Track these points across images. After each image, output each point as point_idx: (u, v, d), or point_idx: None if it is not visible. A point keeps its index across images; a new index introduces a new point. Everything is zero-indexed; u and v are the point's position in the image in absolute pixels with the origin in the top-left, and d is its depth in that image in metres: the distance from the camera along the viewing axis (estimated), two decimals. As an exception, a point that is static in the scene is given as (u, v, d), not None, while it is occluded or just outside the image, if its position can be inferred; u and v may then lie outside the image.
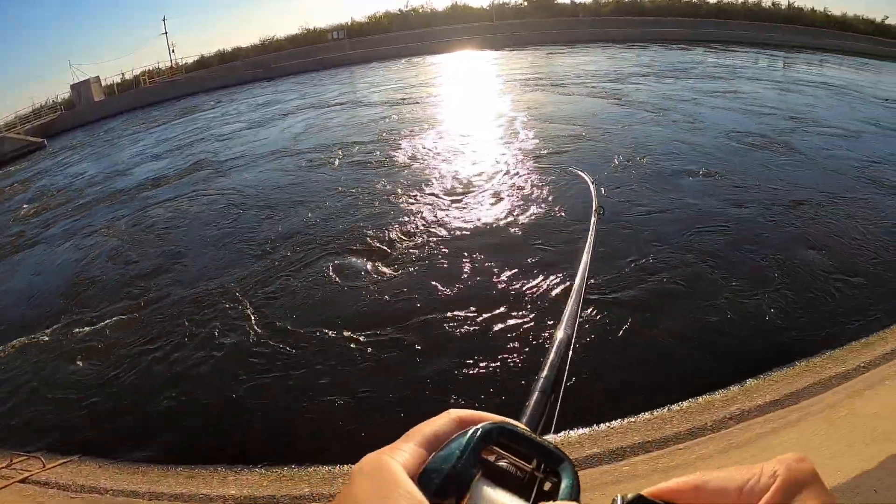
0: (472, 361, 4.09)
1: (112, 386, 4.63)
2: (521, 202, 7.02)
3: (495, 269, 5.34)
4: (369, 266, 5.78)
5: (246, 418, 3.99)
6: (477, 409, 0.39)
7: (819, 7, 30.11)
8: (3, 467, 3.95)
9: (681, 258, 5.34)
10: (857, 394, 3.15)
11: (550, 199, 6.99)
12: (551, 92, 15.01)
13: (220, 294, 5.64)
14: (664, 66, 19.35)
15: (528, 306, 4.68)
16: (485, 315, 4.61)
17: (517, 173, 8.18)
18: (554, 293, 4.81)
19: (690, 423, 3.11)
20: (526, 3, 34.22)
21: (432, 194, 7.68)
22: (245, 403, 4.10)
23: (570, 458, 0.36)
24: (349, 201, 7.79)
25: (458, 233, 6.35)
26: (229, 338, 4.86)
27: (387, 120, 13.51)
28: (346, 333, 4.60)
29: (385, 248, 6.15)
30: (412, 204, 7.39)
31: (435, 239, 6.24)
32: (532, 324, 4.43)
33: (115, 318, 5.62)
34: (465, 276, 5.31)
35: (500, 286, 5.06)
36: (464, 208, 7.09)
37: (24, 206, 12.03)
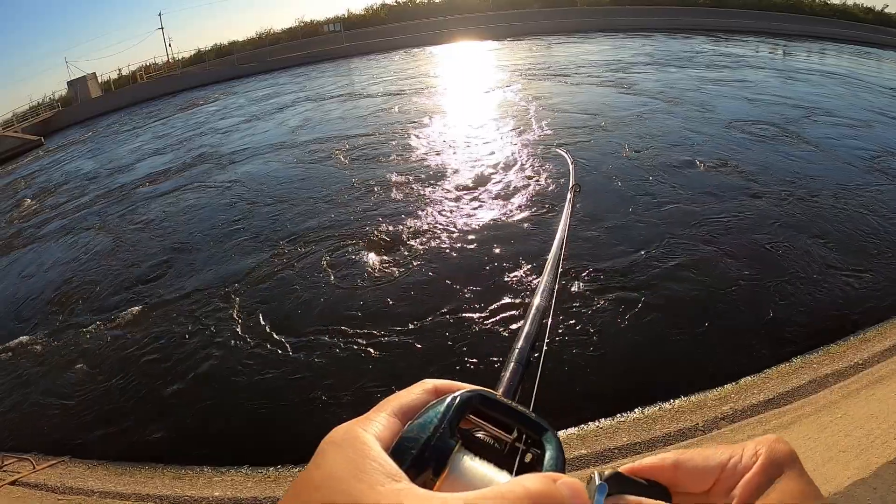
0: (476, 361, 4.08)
1: (105, 386, 4.64)
2: (535, 196, 6.89)
3: (508, 264, 5.25)
4: (373, 260, 5.73)
5: (238, 419, 3.99)
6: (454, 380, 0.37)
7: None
8: (-6, 469, 3.98)
9: (691, 247, 5.33)
10: (853, 394, 3.09)
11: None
12: (558, 82, 14.88)
13: (218, 293, 5.62)
14: (668, 54, 19.15)
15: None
16: (493, 318, 4.49)
17: (530, 165, 8.05)
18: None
19: (681, 424, 3.07)
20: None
21: (440, 187, 7.61)
22: (238, 404, 4.10)
23: (552, 428, 0.35)
24: (352, 194, 7.74)
25: (472, 229, 6.21)
26: (224, 338, 4.84)
27: (390, 111, 13.44)
28: (340, 334, 4.57)
29: (391, 242, 6.10)
30: (420, 198, 7.30)
31: (444, 234, 6.15)
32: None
33: (111, 318, 5.62)
34: (476, 278, 5.14)
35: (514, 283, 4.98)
36: (476, 202, 6.99)
37: (23, 203, 12.08)
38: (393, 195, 7.52)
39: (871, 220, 5.82)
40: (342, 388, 3.99)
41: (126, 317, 5.55)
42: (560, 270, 0.80)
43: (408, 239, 6.13)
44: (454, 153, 9.20)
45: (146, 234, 7.86)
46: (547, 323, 0.63)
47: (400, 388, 0.35)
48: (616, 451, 2.85)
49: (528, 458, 0.34)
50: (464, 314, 4.59)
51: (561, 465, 0.32)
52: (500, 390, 0.50)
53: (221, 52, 32.36)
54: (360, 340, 4.44)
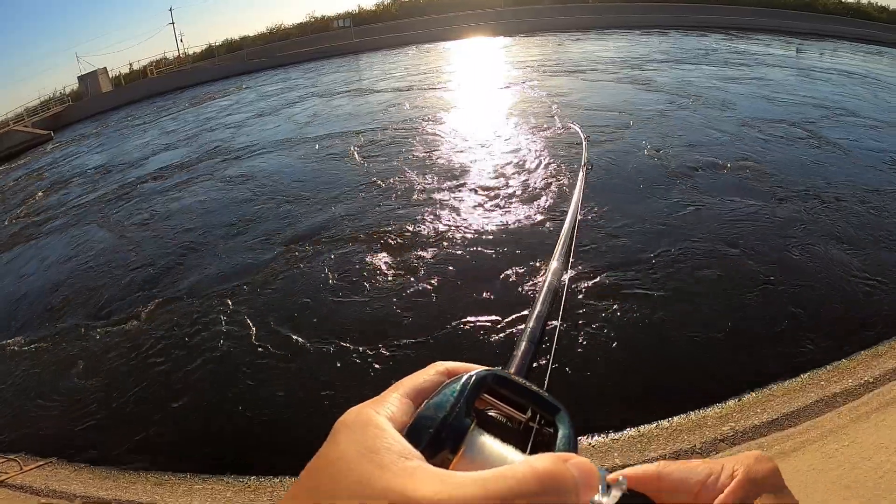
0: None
1: (99, 388, 4.61)
2: (554, 195, 6.69)
3: (524, 265, 5.11)
4: (382, 261, 5.63)
5: (230, 427, 3.93)
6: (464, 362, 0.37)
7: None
8: (-20, 469, 4.00)
9: (709, 248, 5.23)
10: (862, 418, 2.93)
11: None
12: (574, 78, 14.70)
13: (222, 295, 5.53)
14: (684, 51, 18.87)
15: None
16: (508, 330, 4.36)
17: (547, 162, 7.90)
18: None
19: (678, 445, 2.94)
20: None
21: (453, 184, 7.48)
22: (232, 412, 4.03)
23: (565, 407, 0.35)
24: (363, 192, 7.66)
25: (486, 229, 6.04)
26: (223, 344, 4.77)
27: (401, 107, 13.37)
28: (343, 341, 4.46)
29: (401, 241, 5.98)
30: (433, 195, 7.17)
31: (456, 233, 6.02)
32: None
33: (110, 320, 5.60)
34: (490, 279, 4.99)
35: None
36: (491, 200, 6.84)
37: (30, 198, 12.25)
38: (404, 193, 7.43)
39: (898, 226, 5.61)
40: (341, 398, 3.89)
41: (125, 319, 5.53)
42: (572, 249, 0.78)
43: (418, 237, 6.03)
44: (468, 150, 9.08)
45: (151, 231, 7.86)
46: (560, 302, 0.63)
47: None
48: (607, 472, 2.71)
49: (542, 436, 0.35)
50: (477, 316, 4.48)
51: (573, 445, 0.33)
52: (513, 369, 0.50)
53: (232, 48, 32.60)
54: (362, 348, 4.33)
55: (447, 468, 0.29)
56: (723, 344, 4.03)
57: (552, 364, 0.45)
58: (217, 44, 32.88)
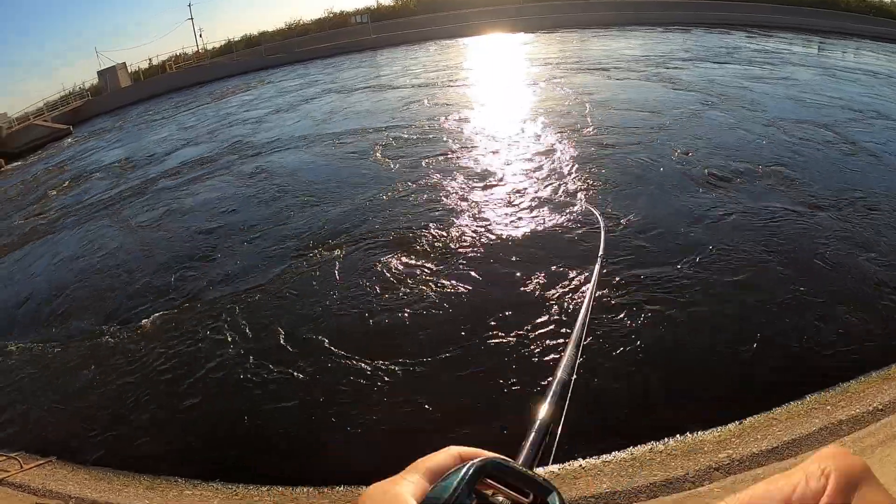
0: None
1: (103, 391, 4.73)
2: (578, 209, 6.44)
3: (548, 286, 4.96)
4: (400, 272, 5.54)
5: (224, 435, 4.01)
6: (477, 447, 0.42)
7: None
8: (-17, 468, 4.14)
9: (735, 258, 5.16)
10: (866, 452, 2.82)
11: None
12: (598, 76, 14.55)
13: (234, 300, 5.59)
14: (708, 50, 18.47)
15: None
16: (528, 347, 4.28)
17: (575, 168, 7.73)
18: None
19: (669, 472, 2.86)
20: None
21: (478, 190, 7.40)
22: (228, 420, 4.10)
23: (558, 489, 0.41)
24: (384, 194, 7.63)
25: (509, 242, 5.88)
26: (232, 351, 4.83)
27: (422, 104, 13.39)
28: (350, 354, 4.46)
29: (419, 250, 5.90)
30: (457, 202, 7.07)
31: (478, 245, 5.87)
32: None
33: (121, 323, 5.72)
34: (513, 298, 4.86)
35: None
36: (516, 210, 6.69)
37: (46, 193, 12.59)
38: (426, 197, 7.37)
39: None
40: (339, 413, 3.92)
41: (135, 324, 5.62)
42: (583, 345, 0.84)
43: (439, 246, 5.95)
44: (493, 152, 9.01)
45: (167, 231, 7.98)
46: (567, 396, 0.67)
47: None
48: (592, 500, 2.68)
49: None
50: (490, 340, 4.35)
51: None
52: (521, 457, 0.55)
53: (251, 43, 33.02)
54: (369, 361, 4.31)
55: None
56: (733, 360, 3.97)
57: (553, 453, 0.48)
58: (236, 39, 33.41)
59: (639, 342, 4.11)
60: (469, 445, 0.42)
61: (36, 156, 19.51)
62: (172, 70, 30.00)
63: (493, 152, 8.95)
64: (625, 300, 4.57)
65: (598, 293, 4.69)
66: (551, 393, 0.67)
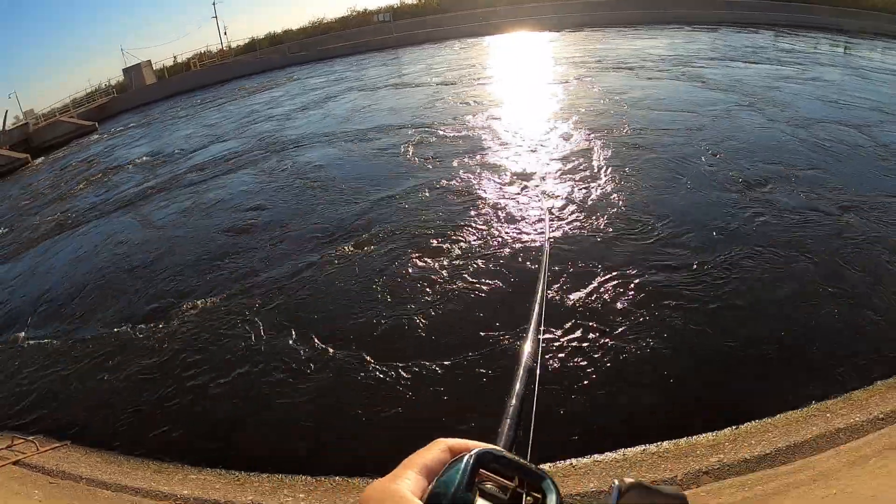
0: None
1: (127, 380, 4.99)
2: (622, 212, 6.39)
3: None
4: (423, 273, 5.55)
5: (231, 423, 4.20)
6: (462, 438, 0.46)
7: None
8: (3, 448, 4.44)
9: (760, 258, 5.17)
10: (861, 461, 2.81)
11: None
12: (629, 75, 14.46)
13: (257, 297, 5.74)
14: (735, 49, 18.08)
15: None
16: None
17: (611, 172, 7.66)
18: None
19: (658, 473, 2.91)
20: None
21: (510, 192, 7.33)
22: (239, 411, 4.29)
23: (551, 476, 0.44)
24: (413, 194, 7.67)
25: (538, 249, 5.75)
26: (250, 344, 5.00)
27: (454, 103, 13.45)
28: (360, 355, 4.55)
29: (442, 254, 5.86)
30: (489, 205, 6.98)
31: (504, 254, 5.75)
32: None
33: (145, 315, 5.97)
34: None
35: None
36: (543, 211, 6.70)
37: (70, 189, 13.11)
38: (454, 197, 7.37)
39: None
40: (340, 409, 4.05)
41: (156, 317, 5.85)
42: (542, 326, 0.91)
43: (463, 250, 5.91)
44: (523, 151, 9.01)
45: (190, 228, 8.21)
46: (535, 377, 0.72)
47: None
48: (578, 498, 2.76)
49: (529, 501, 0.42)
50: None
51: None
52: (500, 442, 0.59)
53: (274, 41, 33.71)
54: (380, 364, 4.38)
55: None
56: (742, 363, 3.98)
57: (532, 435, 0.57)
58: (260, 37, 34.16)
59: (650, 341, 4.16)
60: (456, 437, 0.46)
61: (62, 152, 20.26)
62: (197, 68, 30.82)
63: (524, 151, 8.95)
64: (642, 299, 4.64)
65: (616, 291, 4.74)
66: (518, 381, 0.72)
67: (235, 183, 9.91)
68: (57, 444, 4.46)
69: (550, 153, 8.68)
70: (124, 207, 10.15)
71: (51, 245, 9.30)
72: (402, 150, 9.85)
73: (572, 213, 6.47)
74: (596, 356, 4.08)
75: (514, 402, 0.67)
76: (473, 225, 6.45)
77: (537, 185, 7.41)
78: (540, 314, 0.95)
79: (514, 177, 7.80)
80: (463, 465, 0.41)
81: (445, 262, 5.71)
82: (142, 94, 28.45)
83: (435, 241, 6.17)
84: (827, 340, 4.15)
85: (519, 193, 7.24)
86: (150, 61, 30.55)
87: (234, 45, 34.11)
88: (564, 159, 8.27)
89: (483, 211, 6.81)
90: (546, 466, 3.15)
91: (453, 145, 9.73)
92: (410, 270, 5.66)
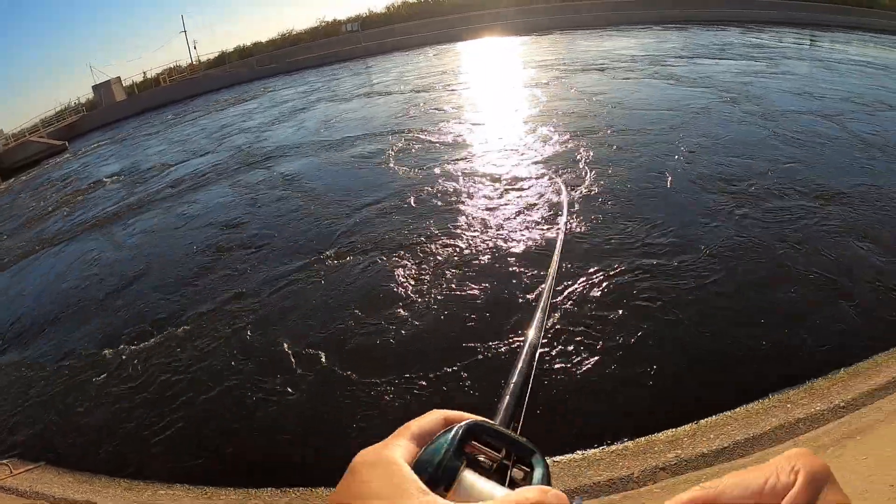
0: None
1: (99, 401, 4.93)
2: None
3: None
4: (405, 285, 5.50)
5: (199, 438, 4.21)
6: (459, 410, 0.46)
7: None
8: (-25, 473, 4.36)
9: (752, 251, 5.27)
10: (818, 451, 2.90)
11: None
12: (602, 76, 14.66)
13: (235, 314, 5.67)
14: (706, 47, 18.60)
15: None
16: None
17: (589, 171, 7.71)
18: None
19: (615, 472, 2.96)
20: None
21: (490, 197, 7.32)
22: (209, 428, 4.29)
23: (539, 450, 0.44)
24: (389, 201, 7.65)
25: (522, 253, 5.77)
26: (223, 362, 4.96)
27: (428, 110, 13.46)
28: (337, 366, 4.55)
29: (431, 263, 5.82)
30: (471, 211, 6.95)
31: (489, 259, 5.76)
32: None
33: (120, 334, 5.87)
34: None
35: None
36: (523, 215, 6.62)
37: (36, 210, 12.82)
38: (432, 204, 7.34)
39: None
40: (316, 424, 4.05)
41: (128, 339, 5.74)
42: (549, 305, 0.91)
43: (448, 256, 5.89)
44: (498, 154, 9.05)
45: (166, 246, 8.09)
46: (535, 357, 0.73)
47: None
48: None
49: (519, 474, 0.42)
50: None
51: (548, 481, 0.41)
52: (498, 419, 0.59)
53: (244, 54, 33.50)
54: (360, 377, 4.36)
55: None
56: (712, 357, 4.05)
57: (523, 413, 0.59)
58: (229, 51, 33.87)
59: (616, 336, 4.25)
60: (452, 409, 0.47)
61: (33, 172, 19.91)
62: (166, 83, 30.48)
63: (499, 154, 9.01)
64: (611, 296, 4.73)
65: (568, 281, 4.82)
66: (522, 356, 0.72)
67: (211, 198, 9.83)
68: (31, 466, 4.43)
69: (531, 155, 8.74)
70: (97, 227, 10.00)
71: (25, 266, 9.15)
72: (378, 159, 9.88)
73: (567, 210, 6.48)
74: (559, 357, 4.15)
75: (514, 378, 0.68)
76: (456, 230, 6.47)
77: (522, 187, 7.48)
78: (549, 292, 0.96)
79: (496, 180, 7.86)
80: (452, 433, 0.42)
81: (431, 269, 5.72)
82: (112, 111, 28.01)
83: (418, 249, 6.18)
84: (793, 330, 4.24)
85: (501, 196, 7.29)
86: (119, 78, 30.10)
87: (203, 58, 33.80)
88: (547, 161, 8.36)
89: (466, 216, 6.84)
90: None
91: (430, 153, 9.76)
92: (394, 278, 5.67)
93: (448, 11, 32.22)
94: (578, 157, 8.34)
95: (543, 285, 1.02)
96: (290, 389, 4.42)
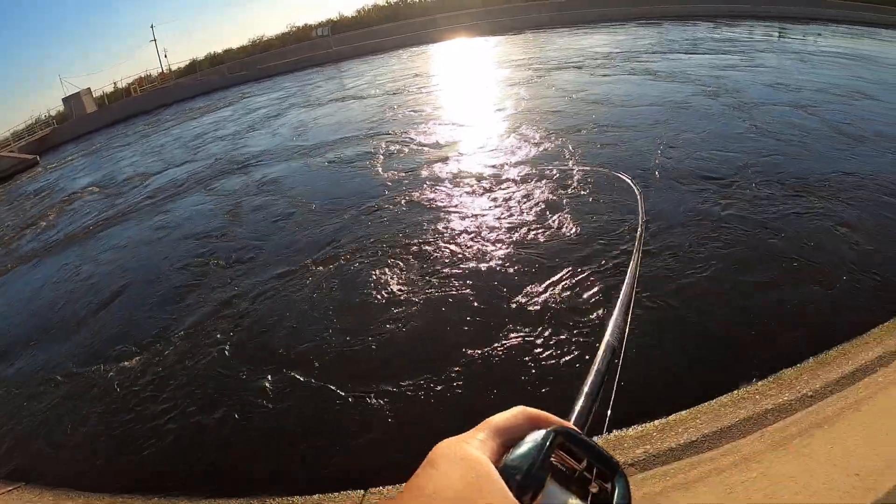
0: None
1: (85, 417, 4.77)
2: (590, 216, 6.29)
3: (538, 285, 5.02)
4: (394, 289, 5.41)
5: (187, 451, 4.08)
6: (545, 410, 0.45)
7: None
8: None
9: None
10: (785, 441, 2.85)
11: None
12: (577, 74, 14.62)
13: (217, 327, 5.52)
14: (679, 42, 18.84)
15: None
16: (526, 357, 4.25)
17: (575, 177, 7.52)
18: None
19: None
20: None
21: (474, 200, 7.21)
22: (185, 443, 4.17)
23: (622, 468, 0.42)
24: (371, 205, 7.55)
25: (517, 258, 5.66)
26: (202, 375, 4.84)
27: (404, 112, 13.33)
28: (327, 378, 4.41)
29: (414, 263, 5.78)
30: (455, 215, 6.85)
31: (472, 253, 5.79)
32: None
33: (97, 350, 5.72)
34: (517, 322, 4.66)
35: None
36: (517, 218, 6.51)
37: (14, 227, 12.50)
38: (415, 206, 7.26)
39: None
40: (306, 436, 3.93)
41: (106, 356, 5.57)
42: (632, 308, 0.86)
43: (436, 261, 5.79)
44: (478, 155, 8.95)
45: (143, 258, 7.88)
46: (618, 361, 0.69)
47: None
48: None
49: (595, 488, 0.40)
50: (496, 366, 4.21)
51: (628, 502, 0.40)
52: (573, 419, 0.56)
53: (216, 61, 33.02)
54: (352, 389, 4.22)
55: None
56: (682, 353, 4.03)
57: (608, 420, 0.56)
58: (200, 58, 33.28)
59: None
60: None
61: (7, 187, 19.45)
62: (137, 93, 29.94)
63: (482, 155, 8.93)
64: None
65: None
66: (599, 358, 0.68)
67: (189, 207, 9.63)
68: (11, 487, 4.30)
69: (515, 155, 8.67)
70: (74, 242, 9.70)
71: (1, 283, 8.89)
72: (354, 164, 9.76)
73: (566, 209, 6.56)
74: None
75: (590, 381, 0.64)
76: (443, 233, 6.38)
77: (511, 188, 7.43)
78: (630, 294, 0.91)
79: (480, 179, 7.81)
80: (542, 440, 0.39)
81: (420, 275, 5.62)
82: (83, 123, 27.41)
83: (405, 254, 6.08)
84: (765, 319, 4.25)
85: (484, 195, 7.25)
86: (89, 89, 29.44)
87: (174, 67, 33.22)
88: (532, 161, 8.27)
89: (451, 218, 6.76)
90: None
91: (410, 156, 9.64)
92: (382, 284, 5.57)
93: (419, 14, 32.11)
94: (566, 154, 8.33)
95: (622, 284, 0.95)
96: (281, 400, 4.31)
